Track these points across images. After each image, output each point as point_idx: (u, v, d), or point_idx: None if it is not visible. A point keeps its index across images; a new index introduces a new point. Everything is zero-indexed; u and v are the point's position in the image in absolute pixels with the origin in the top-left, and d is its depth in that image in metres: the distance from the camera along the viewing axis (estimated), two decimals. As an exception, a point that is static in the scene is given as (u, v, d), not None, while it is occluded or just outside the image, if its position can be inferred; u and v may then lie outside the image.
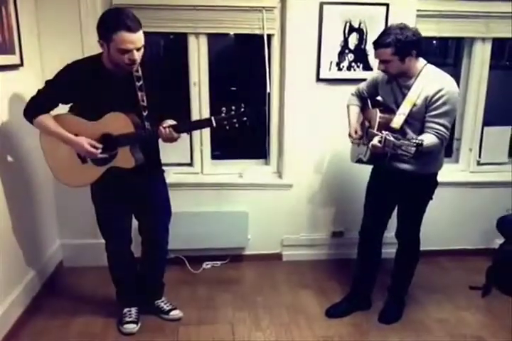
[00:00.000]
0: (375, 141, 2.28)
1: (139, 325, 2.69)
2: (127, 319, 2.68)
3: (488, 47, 3.45)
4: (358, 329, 2.75)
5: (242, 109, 2.19)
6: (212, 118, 2.21)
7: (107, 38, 2.11)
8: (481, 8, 3.24)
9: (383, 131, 2.27)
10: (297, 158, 3.38)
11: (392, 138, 2.18)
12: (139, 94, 2.32)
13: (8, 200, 2.59)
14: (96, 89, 2.24)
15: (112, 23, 2.09)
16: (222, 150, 3.69)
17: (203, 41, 3.23)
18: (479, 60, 3.48)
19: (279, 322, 2.80)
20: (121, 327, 2.66)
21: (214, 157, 3.53)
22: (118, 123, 2.27)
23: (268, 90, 3.28)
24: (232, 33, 3.37)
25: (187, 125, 2.35)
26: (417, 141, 2.11)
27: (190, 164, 3.49)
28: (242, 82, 4.16)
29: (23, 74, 2.79)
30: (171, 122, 2.33)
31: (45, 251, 3.14)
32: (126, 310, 2.73)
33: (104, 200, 2.50)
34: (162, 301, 2.83)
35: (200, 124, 2.41)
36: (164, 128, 2.25)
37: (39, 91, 2.34)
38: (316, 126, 3.31)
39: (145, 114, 2.33)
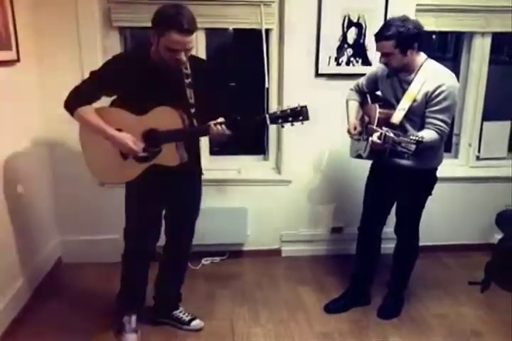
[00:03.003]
0: (375, 137, 2.26)
1: (139, 333, 2.58)
2: (127, 328, 2.56)
3: (487, 41, 3.44)
4: (357, 324, 2.75)
5: (298, 108, 2.10)
6: (267, 115, 2.11)
7: (159, 32, 2.04)
8: (481, 3, 3.22)
9: (383, 128, 2.26)
10: (296, 154, 3.37)
11: (391, 135, 2.16)
12: (188, 91, 2.24)
13: (5, 196, 2.58)
14: (142, 82, 2.15)
15: (167, 19, 2.01)
16: (220, 145, 3.67)
17: (201, 36, 3.21)
18: (479, 55, 3.47)
19: (278, 318, 2.80)
20: (122, 337, 2.54)
21: (213, 153, 3.52)
22: (167, 118, 2.17)
23: (266, 85, 3.26)
24: (230, 27, 3.35)
25: (241, 122, 2.15)
26: (417, 138, 2.10)
27: (189, 160, 3.48)
28: (241, 78, 4.14)
29: (20, 69, 2.77)
30: (219, 119, 2.21)
31: (43, 247, 3.13)
32: (125, 318, 2.58)
33: (140, 198, 2.38)
34: (180, 311, 2.70)
35: (255, 121, 2.16)
36: (215, 125, 2.15)
37: (83, 81, 2.22)
38: (315, 121, 3.27)
39: (193, 111, 2.25)
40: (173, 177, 2.31)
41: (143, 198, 2.38)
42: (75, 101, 2.18)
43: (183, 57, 2.08)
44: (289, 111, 2.09)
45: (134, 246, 2.50)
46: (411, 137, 2.12)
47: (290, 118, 2.10)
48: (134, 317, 2.59)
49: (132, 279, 2.61)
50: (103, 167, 2.32)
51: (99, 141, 2.22)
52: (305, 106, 2.10)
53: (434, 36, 4.09)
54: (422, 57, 2.43)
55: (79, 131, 2.32)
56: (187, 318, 2.68)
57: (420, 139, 2.10)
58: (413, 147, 2.09)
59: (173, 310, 2.71)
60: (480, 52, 3.46)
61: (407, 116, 2.42)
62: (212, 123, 2.16)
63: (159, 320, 2.70)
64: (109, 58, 2.24)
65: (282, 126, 2.17)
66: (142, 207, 2.40)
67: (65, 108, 2.20)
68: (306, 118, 2.11)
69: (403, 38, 2.29)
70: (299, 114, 2.10)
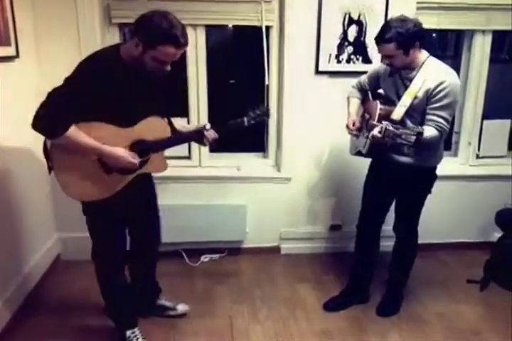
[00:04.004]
0: (376, 131, 2.25)
1: None
2: None
3: (488, 39, 3.43)
4: (356, 322, 2.75)
5: (263, 109, 2.31)
6: (245, 119, 2.29)
7: (150, 44, 1.94)
8: (482, 0, 3.21)
9: (383, 122, 2.25)
10: (296, 152, 3.37)
11: (392, 128, 2.16)
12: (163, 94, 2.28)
13: (3, 194, 2.58)
14: (119, 91, 2.02)
15: (163, 33, 1.92)
16: (220, 143, 3.66)
17: (201, 33, 3.20)
18: (479, 53, 3.46)
19: (277, 315, 2.80)
20: None
21: (212, 150, 3.51)
22: (157, 128, 2.19)
23: (266, 82, 3.25)
24: (230, 24, 3.34)
25: (227, 125, 2.31)
26: (417, 130, 2.11)
27: (189, 157, 3.48)
28: (241, 75, 4.14)
29: (19, 65, 2.77)
30: (207, 125, 2.29)
31: (42, 244, 3.13)
32: (129, 332, 2.47)
33: (109, 211, 2.23)
34: (163, 299, 2.74)
35: (236, 125, 2.32)
36: (207, 131, 2.24)
37: (56, 99, 1.96)
38: (315, 119, 3.29)
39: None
40: (139, 185, 2.28)
41: (110, 209, 2.23)
42: (59, 124, 1.95)
43: (169, 67, 2.06)
44: (258, 112, 2.31)
45: (111, 258, 2.37)
46: (411, 129, 2.12)
47: (258, 119, 2.31)
48: (136, 330, 2.49)
49: (120, 295, 2.47)
50: (84, 185, 2.15)
51: (79, 160, 2.09)
52: (267, 107, 2.44)
53: (434, 34, 4.08)
54: (423, 54, 2.42)
55: (53, 152, 2.07)
56: (171, 304, 2.72)
57: (421, 131, 2.10)
58: (413, 138, 2.10)
59: (156, 298, 2.72)
60: (480, 50, 3.45)
61: (408, 113, 2.41)
62: (204, 130, 2.25)
63: (146, 314, 2.67)
64: (82, 63, 2.03)
65: (251, 124, 2.33)
66: (112, 218, 2.27)
67: (48, 134, 1.98)
68: (268, 116, 2.40)
69: (404, 39, 2.28)
70: (265, 114, 2.33)
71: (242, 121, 2.29)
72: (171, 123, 2.30)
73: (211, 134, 2.26)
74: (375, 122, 2.42)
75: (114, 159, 2.10)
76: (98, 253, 2.37)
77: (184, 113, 3.32)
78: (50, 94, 1.98)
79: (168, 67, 2.05)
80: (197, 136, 2.27)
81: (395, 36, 2.26)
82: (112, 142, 2.08)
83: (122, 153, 2.10)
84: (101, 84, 1.97)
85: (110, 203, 2.19)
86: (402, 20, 2.30)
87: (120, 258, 2.41)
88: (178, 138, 2.28)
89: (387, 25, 2.31)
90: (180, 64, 3.25)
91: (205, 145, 2.32)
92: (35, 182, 3.02)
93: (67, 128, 1.96)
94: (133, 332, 2.48)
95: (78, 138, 2.00)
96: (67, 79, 2.00)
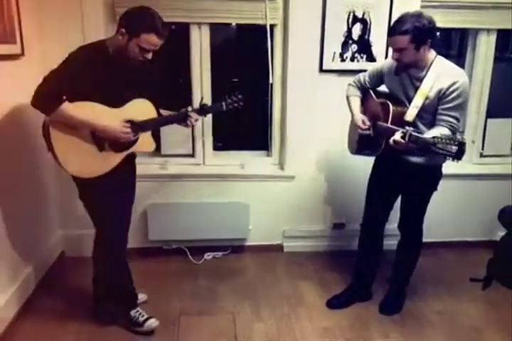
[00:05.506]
0: (397, 136, 2.21)
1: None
2: (142, 318, 2.58)
3: (492, 38, 3.43)
4: (359, 320, 2.76)
5: (240, 96, 2.51)
6: (223, 103, 2.51)
7: (135, 33, 2.16)
8: (486, -1, 3.21)
9: (407, 127, 2.21)
10: (299, 150, 3.37)
11: (418, 134, 2.11)
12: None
13: (8, 191, 2.59)
14: (106, 76, 2.21)
15: (147, 23, 2.15)
16: (224, 141, 3.68)
17: (206, 31, 3.21)
18: (483, 52, 3.46)
19: (279, 313, 2.81)
20: (142, 327, 2.56)
21: (216, 148, 3.52)
22: (145, 109, 2.39)
23: (270, 81, 3.26)
24: (234, 23, 3.35)
25: (207, 108, 2.53)
26: (458, 139, 2.02)
27: (192, 155, 3.48)
28: (245, 73, 4.14)
29: (24, 63, 2.78)
30: (189, 107, 2.49)
31: (46, 241, 3.15)
32: (133, 312, 2.60)
33: (114, 189, 2.40)
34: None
35: (216, 108, 2.57)
36: (190, 112, 2.44)
37: (50, 79, 2.13)
38: (319, 117, 3.29)
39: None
40: (132, 163, 2.54)
41: (115, 188, 2.40)
42: (53, 99, 2.12)
43: (151, 56, 2.25)
44: (235, 98, 2.52)
45: (118, 239, 2.50)
46: (451, 138, 2.04)
47: (236, 105, 2.52)
48: (140, 309, 2.62)
49: (123, 278, 2.61)
50: (81, 162, 2.29)
51: (74, 136, 2.24)
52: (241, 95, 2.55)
53: (438, 33, 4.07)
54: (432, 53, 2.40)
55: (52, 130, 2.19)
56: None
57: (464, 140, 2.01)
58: (454, 148, 1.99)
59: None
60: (485, 49, 3.45)
61: (419, 114, 2.39)
62: (186, 110, 2.45)
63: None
64: (72, 52, 2.20)
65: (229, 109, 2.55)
66: (118, 197, 2.44)
67: (42, 108, 2.13)
68: (243, 103, 2.55)
69: (419, 33, 2.25)
70: (240, 100, 2.52)
71: (221, 105, 2.52)
72: (156, 108, 2.46)
73: (193, 115, 2.46)
74: (388, 125, 2.38)
75: (108, 131, 2.25)
76: (104, 236, 2.49)
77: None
78: (45, 76, 2.15)
79: (150, 56, 2.24)
80: (181, 117, 2.46)
81: (411, 29, 2.24)
82: (104, 120, 2.25)
83: (116, 124, 2.27)
84: (89, 68, 2.16)
85: (105, 183, 2.34)
86: (419, 15, 2.28)
87: (124, 238, 2.53)
88: (165, 118, 2.50)
89: (403, 18, 2.29)
90: (182, 62, 3.29)
91: (188, 126, 2.49)
92: (39, 180, 3.03)
93: (60, 103, 2.12)
94: (137, 311, 2.61)
95: (72, 112, 2.16)
96: (60, 64, 2.18)
